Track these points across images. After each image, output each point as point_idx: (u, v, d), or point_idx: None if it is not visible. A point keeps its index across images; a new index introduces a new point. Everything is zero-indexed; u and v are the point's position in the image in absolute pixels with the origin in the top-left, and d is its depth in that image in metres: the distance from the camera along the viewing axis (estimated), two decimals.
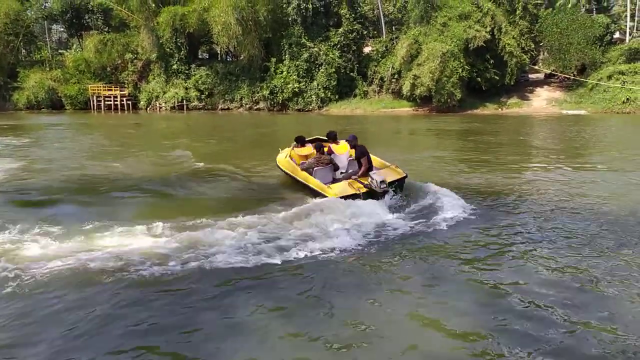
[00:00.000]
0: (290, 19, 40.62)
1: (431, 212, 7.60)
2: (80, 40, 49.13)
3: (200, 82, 43.25)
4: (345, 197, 7.77)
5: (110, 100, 44.22)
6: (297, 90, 40.35)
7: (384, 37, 41.92)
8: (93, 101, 44.24)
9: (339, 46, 39.85)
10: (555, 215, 7.65)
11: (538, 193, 9.22)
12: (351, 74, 40.55)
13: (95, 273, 5.31)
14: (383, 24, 42.36)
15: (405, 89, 36.36)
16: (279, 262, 5.63)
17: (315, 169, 8.74)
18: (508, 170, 11.83)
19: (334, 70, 39.68)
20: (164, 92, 43.76)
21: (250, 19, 39.42)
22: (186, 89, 43.43)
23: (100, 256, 5.72)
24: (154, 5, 43.07)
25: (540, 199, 8.74)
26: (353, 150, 8.80)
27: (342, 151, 9.17)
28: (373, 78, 40.71)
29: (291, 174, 9.38)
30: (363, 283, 5.17)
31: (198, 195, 9.55)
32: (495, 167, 12.48)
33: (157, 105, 43.93)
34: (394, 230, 6.80)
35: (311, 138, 10.73)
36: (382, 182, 7.84)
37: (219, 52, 48.72)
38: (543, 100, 38.45)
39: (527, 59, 38.12)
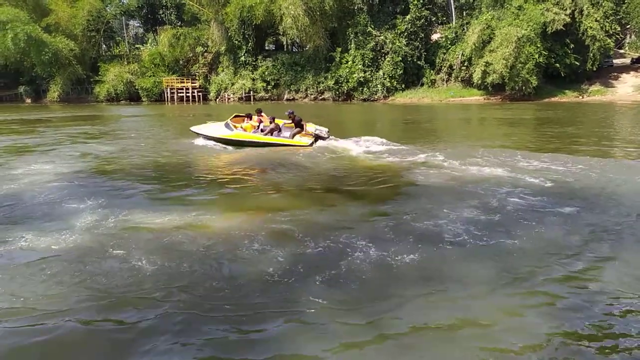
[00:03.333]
0: (356, 7, 40.21)
1: (502, 208, 7.21)
2: (155, 35, 51.51)
3: (266, 73, 43.98)
4: (308, 144, 12.89)
5: (183, 92, 46.06)
6: (362, 79, 39.98)
7: (454, 23, 40.47)
8: (167, 93, 46.29)
9: (406, 34, 38.95)
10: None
11: (619, 191, 8.31)
12: (418, 62, 39.56)
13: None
14: (453, 9, 40.90)
15: (476, 77, 34.97)
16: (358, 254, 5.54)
17: (275, 133, 13.41)
18: (586, 164, 10.87)
19: (400, 58, 38.89)
20: (232, 84, 44.97)
21: (317, 9, 39.43)
22: (253, 80, 44.34)
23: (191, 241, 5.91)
24: None
25: (621, 197, 7.95)
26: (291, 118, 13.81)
27: (276, 120, 13.89)
28: (441, 66, 39.51)
29: (253, 139, 13.25)
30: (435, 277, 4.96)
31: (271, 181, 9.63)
32: (571, 159, 11.56)
33: (226, 96, 45.23)
34: (470, 225, 6.50)
35: (245, 114, 14.56)
36: (327, 131, 13.57)
37: (284, 43, 49.26)
38: (629, 87, 35.57)
39: (611, 42, 35.33)
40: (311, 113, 30.10)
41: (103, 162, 12.35)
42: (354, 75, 39.98)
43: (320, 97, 42.38)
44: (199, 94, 46.27)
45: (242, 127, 13.59)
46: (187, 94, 46.01)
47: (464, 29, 38.70)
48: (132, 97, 47.41)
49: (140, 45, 53.75)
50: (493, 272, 5.00)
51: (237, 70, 45.13)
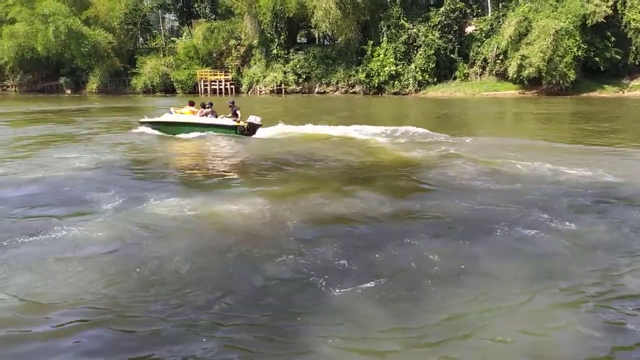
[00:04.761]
0: (389, 0, 39.78)
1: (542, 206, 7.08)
2: (190, 28, 52.36)
3: (298, 66, 44.10)
4: (243, 128, 14.45)
5: (216, 85, 46.74)
6: (393, 73, 39.59)
7: (489, 15, 39.53)
8: (200, 85, 47.07)
9: (439, 27, 38.30)
10: None
11: None
12: (451, 55, 38.86)
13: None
14: (489, 1, 39.93)
15: (512, 70, 34.12)
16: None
17: (209, 115, 15.10)
18: (625, 161, 10.52)
19: (433, 52, 38.29)
20: (264, 77, 45.33)
21: (349, 2, 39.23)
22: (284, 73, 44.55)
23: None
24: None
25: None
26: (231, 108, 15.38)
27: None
28: (475, 59, 38.70)
29: (191, 120, 15.08)
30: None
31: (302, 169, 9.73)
32: (610, 154, 11.21)
33: (257, 89, 45.65)
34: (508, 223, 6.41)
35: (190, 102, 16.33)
36: (260, 120, 14.71)
37: (316, 36, 49.25)
38: None
39: None
40: (340, 107, 30.09)
41: (138, 151, 12.75)
42: (385, 69, 39.63)
43: (351, 91, 42.26)
44: (231, 86, 46.85)
45: (180, 112, 15.54)
46: (220, 87, 46.66)
47: (499, 22, 37.75)
48: (167, 89, 48.42)
49: (176, 38, 54.74)
50: (528, 271, 4.79)
51: (269, 63, 45.43)
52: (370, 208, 6.92)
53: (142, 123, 16.01)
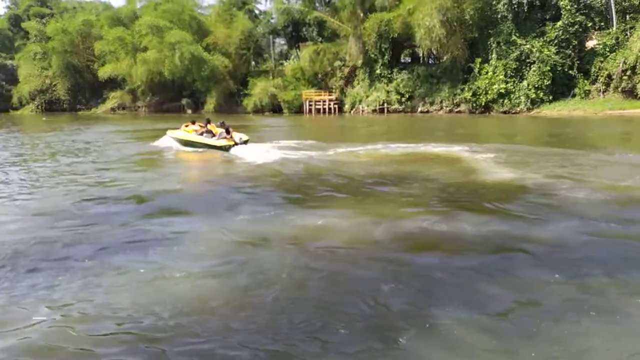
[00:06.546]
0: (500, 15, 38.26)
1: None
2: (298, 51, 54.79)
3: (401, 85, 43.89)
4: (227, 146, 16.37)
5: (320, 105, 48.16)
6: (503, 91, 37.76)
7: (614, 28, 36.23)
8: (306, 105, 48.81)
9: (556, 42, 35.91)
10: None
11: None
12: (570, 71, 36.13)
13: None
14: (614, 12, 36.63)
15: None
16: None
17: (205, 134, 17.44)
18: None
19: (548, 68, 35.92)
20: (367, 96, 45.76)
21: (455, 20, 38.39)
22: (387, 92, 44.57)
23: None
24: (362, 14, 45.41)
25: None
26: (222, 127, 17.33)
27: (215, 129, 17.62)
28: (598, 75, 35.58)
29: (190, 139, 17.60)
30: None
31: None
32: None
33: (360, 108, 46.19)
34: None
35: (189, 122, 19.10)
36: (241, 139, 16.91)
37: (421, 55, 48.73)
38: None
39: None
40: (441, 127, 29.22)
41: (239, 166, 13.54)
42: (493, 87, 37.95)
43: (456, 110, 41.01)
44: (335, 106, 47.92)
45: (186, 130, 18.05)
46: (324, 106, 47.97)
47: (626, 35, 34.43)
48: (275, 108, 50.89)
49: (284, 61, 57.53)
50: None
51: (372, 83, 45.79)
52: (475, 232, 6.65)
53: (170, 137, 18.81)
